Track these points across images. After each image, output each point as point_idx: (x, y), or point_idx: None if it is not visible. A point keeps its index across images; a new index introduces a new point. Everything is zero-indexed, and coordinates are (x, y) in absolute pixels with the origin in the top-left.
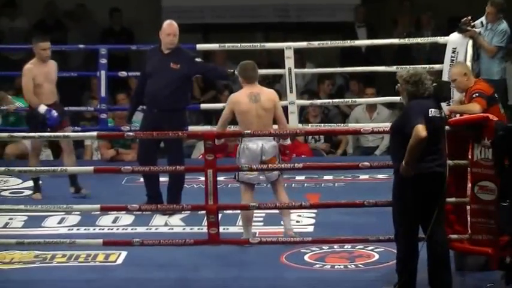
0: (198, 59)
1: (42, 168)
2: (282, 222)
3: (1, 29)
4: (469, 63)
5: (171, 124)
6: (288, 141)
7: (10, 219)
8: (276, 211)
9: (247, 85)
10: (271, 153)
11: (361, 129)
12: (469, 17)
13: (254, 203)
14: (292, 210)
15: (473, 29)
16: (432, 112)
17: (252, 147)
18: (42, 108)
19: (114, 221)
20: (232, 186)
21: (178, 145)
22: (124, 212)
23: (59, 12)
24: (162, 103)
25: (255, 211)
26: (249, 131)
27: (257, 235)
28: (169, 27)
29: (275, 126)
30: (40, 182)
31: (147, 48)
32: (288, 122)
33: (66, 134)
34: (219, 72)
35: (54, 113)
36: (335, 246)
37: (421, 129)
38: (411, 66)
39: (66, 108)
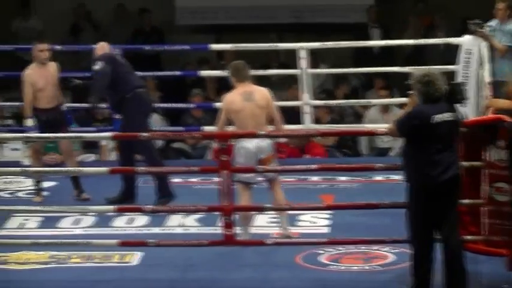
0: (96, 65)
1: (57, 168)
2: (279, 223)
3: (15, 29)
4: (486, 65)
5: None
6: (284, 139)
7: (25, 220)
8: (290, 212)
9: (240, 84)
10: (267, 151)
11: (376, 130)
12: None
13: (251, 202)
14: (307, 211)
15: (484, 29)
16: (437, 118)
17: (248, 146)
18: (28, 123)
19: (129, 222)
20: None
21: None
22: (139, 213)
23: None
24: None
25: (269, 212)
26: (263, 132)
27: (272, 236)
28: None
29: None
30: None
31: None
32: (301, 123)
33: (81, 135)
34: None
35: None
36: (350, 247)
37: (393, 131)
38: (425, 67)
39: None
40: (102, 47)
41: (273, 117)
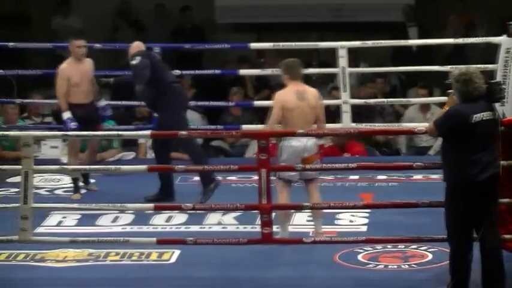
0: (134, 61)
1: (95, 166)
2: (313, 223)
3: (54, 27)
4: None
5: None
6: (322, 141)
7: (64, 217)
8: (329, 210)
9: (292, 82)
10: (313, 150)
11: (416, 129)
12: None
13: (290, 200)
14: (345, 210)
15: None
16: (476, 118)
17: (296, 144)
18: (65, 116)
19: (168, 220)
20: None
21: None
22: (177, 211)
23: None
24: None
25: (307, 211)
26: (302, 131)
27: (310, 234)
28: None
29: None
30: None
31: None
32: (341, 122)
33: (119, 133)
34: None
35: (72, 126)
36: (388, 246)
37: (432, 131)
38: (464, 66)
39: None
40: (137, 46)
41: (319, 118)
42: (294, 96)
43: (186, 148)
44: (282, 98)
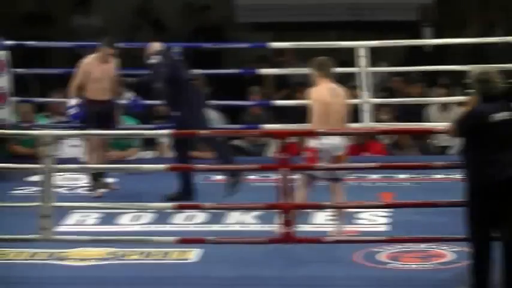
0: (153, 60)
1: (114, 165)
2: (333, 222)
3: (75, 26)
4: None
5: None
6: None
7: (84, 216)
8: (349, 210)
9: (323, 80)
10: (343, 148)
11: (436, 129)
12: None
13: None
14: (365, 210)
15: None
16: (496, 117)
17: (329, 143)
18: (71, 102)
19: (188, 219)
20: None
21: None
22: (198, 210)
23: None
24: None
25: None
26: (322, 130)
27: (331, 233)
28: None
29: None
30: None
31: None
32: (361, 121)
33: (139, 131)
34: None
35: (76, 114)
36: (409, 246)
37: (452, 130)
38: (483, 65)
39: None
40: (155, 45)
41: (345, 117)
42: (328, 92)
43: (210, 145)
44: (319, 95)
